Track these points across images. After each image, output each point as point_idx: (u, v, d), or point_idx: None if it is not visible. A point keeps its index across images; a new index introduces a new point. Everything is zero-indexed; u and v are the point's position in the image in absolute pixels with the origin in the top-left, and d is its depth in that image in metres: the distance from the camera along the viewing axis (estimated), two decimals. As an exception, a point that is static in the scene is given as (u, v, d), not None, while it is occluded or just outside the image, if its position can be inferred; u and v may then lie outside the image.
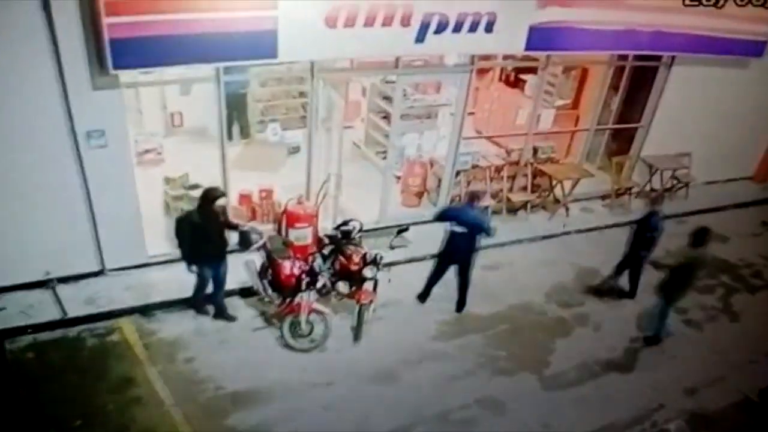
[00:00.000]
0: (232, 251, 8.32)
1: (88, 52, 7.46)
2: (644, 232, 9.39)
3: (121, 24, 7.19)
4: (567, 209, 12.00)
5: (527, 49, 9.85)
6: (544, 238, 11.35)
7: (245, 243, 8.29)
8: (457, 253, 8.90)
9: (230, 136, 11.18)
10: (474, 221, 8.66)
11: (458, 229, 8.67)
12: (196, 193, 9.02)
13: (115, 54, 7.29)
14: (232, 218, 8.86)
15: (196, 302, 8.53)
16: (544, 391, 8.14)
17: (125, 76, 7.94)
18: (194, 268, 8.00)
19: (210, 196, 7.73)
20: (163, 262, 9.15)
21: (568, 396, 8.10)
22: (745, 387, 8.54)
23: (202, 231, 7.73)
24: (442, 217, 8.96)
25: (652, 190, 12.76)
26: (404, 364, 8.25)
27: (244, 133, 12.47)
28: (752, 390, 8.48)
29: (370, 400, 7.68)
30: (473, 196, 8.92)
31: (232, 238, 8.25)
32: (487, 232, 8.73)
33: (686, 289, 8.76)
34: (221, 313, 8.52)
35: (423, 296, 9.35)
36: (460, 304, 9.28)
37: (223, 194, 8.03)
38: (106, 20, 7.10)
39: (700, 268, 8.71)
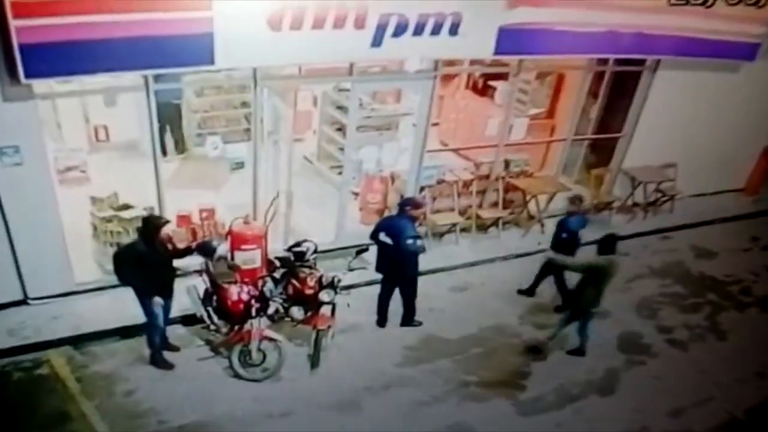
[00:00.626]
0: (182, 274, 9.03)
1: (-4, 60, 7.69)
2: (560, 235, 10.36)
3: (32, 27, 7.44)
4: (542, 225, 12.70)
5: (497, 53, 10.49)
6: (518, 256, 12.13)
7: (208, 253, 8.90)
8: (389, 266, 9.73)
9: (164, 151, 11.90)
10: (398, 231, 9.39)
11: (386, 239, 9.54)
12: (128, 215, 9.89)
13: (27, 61, 7.55)
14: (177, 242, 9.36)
15: (155, 354, 8.94)
16: (519, 417, 8.90)
17: (40, 86, 8.29)
18: (158, 300, 8.34)
19: (154, 224, 8.25)
20: (92, 290, 9.77)
21: (545, 421, 8.89)
22: (732, 407, 9.49)
23: (150, 263, 8.14)
24: (375, 229, 9.77)
25: (635, 204, 13.73)
26: (368, 392, 8.97)
27: (180, 148, 13.11)
28: (739, 410, 9.45)
29: (331, 430, 8.37)
30: (406, 204, 9.68)
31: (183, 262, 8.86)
32: (406, 246, 9.33)
33: (596, 298, 9.38)
34: (165, 345, 9.12)
35: (381, 320, 10.19)
36: (406, 318, 10.13)
37: (168, 221, 8.58)
38: (14, 23, 7.34)
39: (607, 275, 9.24)
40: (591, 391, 9.47)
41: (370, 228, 10.55)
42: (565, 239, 10.30)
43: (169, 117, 12.38)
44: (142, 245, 8.20)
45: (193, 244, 8.96)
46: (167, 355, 9.09)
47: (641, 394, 9.56)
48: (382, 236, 9.58)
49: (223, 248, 9.19)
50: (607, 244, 9.29)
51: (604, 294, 9.38)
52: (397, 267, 9.70)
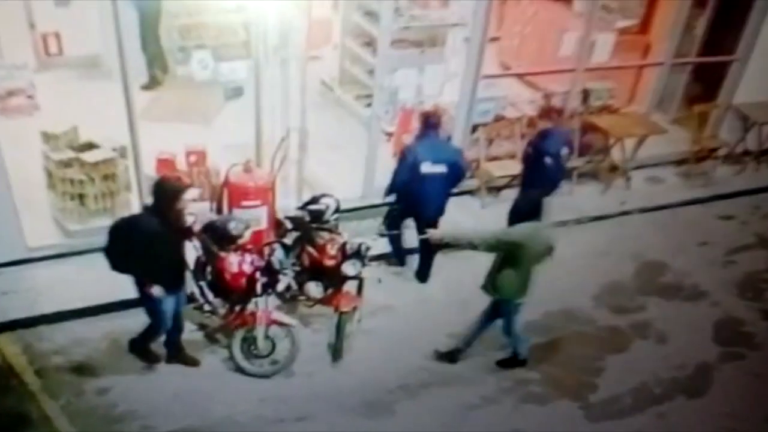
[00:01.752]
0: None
1: None
2: (536, 160, 10.59)
3: None
4: (628, 179, 12.84)
5: None
6: (595, 219, 12.39)
7: (227, 238, 8.97)
8: (427, 204, 10.11)
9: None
10: (453, 156, 9.86)
11: (434, 169, 9.88)
12: (91, 157, 9.90)
13: None
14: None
15: (144, 347, 9.03)
16: (589, 423, 9.18)
17: None
18: (158, 290, 8.18)
19: (172, 189, 7.99)
20: (51, 257, 9.95)
21: (620, 428, 9.16)
22: None
23: (162, 244, 8.02)
24: (412, 162, 9.96)
25: (746, 152, 13.86)
26: (402, 392, 9.20)
27: (158, 66, 13.13)
28: None
29: None
30: (430, 117, 10.04)
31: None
32: (464, 171, 10.04)
33: (518, 284, 8.88)
34: (178, 354, 9.21)
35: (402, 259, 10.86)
36: (423, 273, 10.55)
37: (189, 185, 8.56)
38: None
39: (527, 252, 8.68)
40: (677, 392, 9.74)
41: None
42: (550, 166, 10.52)
43: (143, 23, 12.38)
44: (151, 219, 7.96)
45: (194, 224, 8.84)
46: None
47: (737, 395, 9.81)
48: (429, 167, 9.86)
49: (247, 234, 9.21)
50: (527, 207, 8.81)
51: (530, 278, 8.94)
52: (437, 202, 10.14)
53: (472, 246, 8.83)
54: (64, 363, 9.03)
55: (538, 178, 10.60)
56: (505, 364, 9.71)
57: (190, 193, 8.35)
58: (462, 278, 10.47)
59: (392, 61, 11.57)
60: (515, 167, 12.09)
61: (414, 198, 10.16)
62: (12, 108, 11.52)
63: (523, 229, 8.58)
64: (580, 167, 12.83)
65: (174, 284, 8.44)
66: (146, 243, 7.89)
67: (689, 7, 13.19)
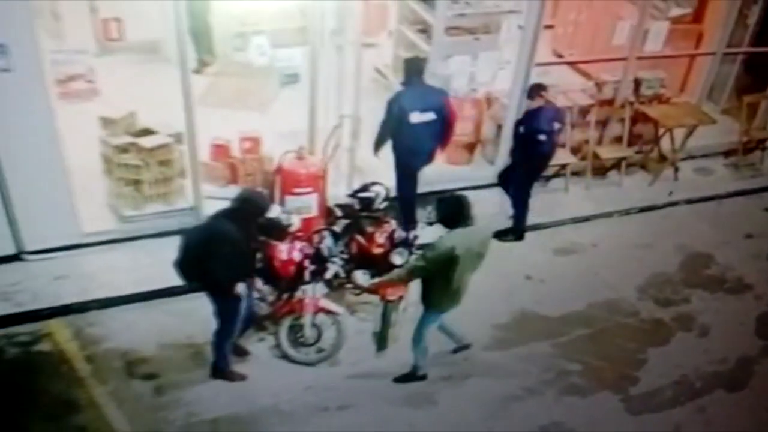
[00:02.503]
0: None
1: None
2: (527, 137, 10.19)
3: None
4: (676, 170, 12.46)
5: None
6: (642, 210, 11.94)
7: (277, 233, 8.60)
8: (418, 154, 10.07)
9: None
10: (440, 101, 9.86)
11: (423, 118, 9.78)
12: (148, 143, 9.62)
13: None
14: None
15: (226, 365, 8.50)
16: (629, 416, 8.80)
17: None
18: (242, 288, 7.85)
19: (260, 207, 7.82)
20: (105, 242, 9.68)
21: (660, 421, 8.79)
22: None
23: (241, 251, 7.72)
24: (390, 117, 9.81)
25: None
26: (445, 382, 8.88)
27: (206, 50, 12.68)
28: None
29: (399, 428, 8.29)
30: (415, 62, 9.97)
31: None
32: (453, 115, 10.09)
33: (445, 293, 8.07)
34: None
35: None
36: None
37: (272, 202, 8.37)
38: None
39: (457, 263, 7.69)
40: (717, 385, 9.35)
41: (458, 170, 10.61)
42: (544, 143, 10.19)
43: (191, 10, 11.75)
44: (232, 228, 7.54)
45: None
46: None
47: None
48: (417, 116, 9.74)
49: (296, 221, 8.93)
50: (451, 209, 7.80)
51: (458, 289, 8.04)
52: (427, 155, 10.19)
53: (405, 279, 8.19)
54: (114, 349, 8.76)
55: (531, 155, 10.32)
56: (402, 379, 8.88)
57: (273, 211, 8.33)
58: (507, 269, 10.23)
59: (446, 48, 11.26)
60: (566, 157, 11.81)
61: (405, 148, 9.98)
62: (72, 92, 11.25)
63: (450, 238, 7.67)
64: (629, 157, 12.44)
65: (248, 278, 8.19)
66: (231, 249, 7.50)
67: None
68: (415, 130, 9.78)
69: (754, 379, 9.47)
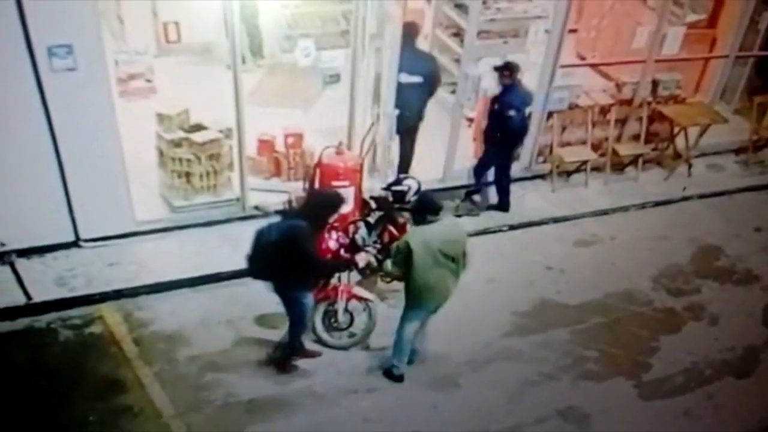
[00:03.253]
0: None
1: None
2: (499, 113, 9.85)
3: None
4: (690, 166, 12.13)
5: None
6: (657, 204, 11.60)
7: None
8: (406, 111, 9.95)
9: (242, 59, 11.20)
10: (428, 66, 10.01)
11: (411, 79, 9.83)
12: (200, 137, 9.37)
13: None
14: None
15: (299, 347, 8.18)
16: (641, 401, 8.49)
17: None
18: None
19: (331, 201, 7.37)
20: (155, 231, 9.40)
21: (670, 407, 8.46)
22: None
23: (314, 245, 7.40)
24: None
25: None
26: (467, 367, 8.55)
27: (255, 51, 12.42)
28: None
29: (424, 410, 8.00)
30: (409, 27, 9.80)
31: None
32: (438, 80, 10.29)
33: (416, 288, 7.61)
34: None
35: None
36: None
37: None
38: None
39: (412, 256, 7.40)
40: (726, 373, 9.01)
41: None
42: (513, 118, 9.78)
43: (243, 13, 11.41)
44: (306, 225, 7.12)
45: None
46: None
47: None
48: (405, 77, 9.82)
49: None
50: (423, 206, 7.64)
51: (436, 287, 7.59)
52: (415, 112, 10.11)
53: (393, 272, 7.72)
54: (160, 331, 8.48)
55: (504, 131, 9.95)
56: (385, 373, 8.28)
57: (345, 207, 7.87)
58: (529, 259, 9.99)
59: (477, 50, 10.95)
60: (586, 153, 11.51)
61: (397, 104, 9.93)
62: (132, 91, 11.03)
63: (408, 235, 7.54)
64: (646, 154, 12.05)
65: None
66: (306, 248, 7.14)
67: (755, 3, 12.25)
68: (403, 89, 9.82)
69: (760, 367, 9.14)
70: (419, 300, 7.65)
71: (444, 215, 7.72)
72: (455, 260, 7.56)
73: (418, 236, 7.38)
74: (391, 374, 8.21)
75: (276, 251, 7.11)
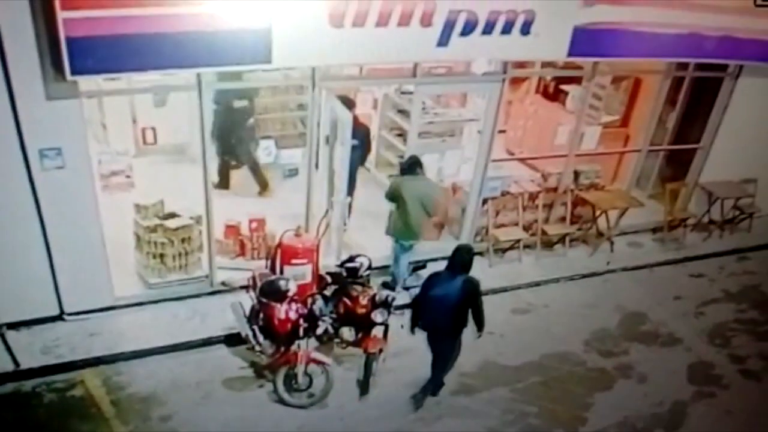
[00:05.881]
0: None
1: (41, 54, 7.41)
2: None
3: (80, 20, 7.15)
4: (612, 243, 12.30)
5: (571, 54, 9.99)
6: (585, 276, 11.67)
7: (278, 293, 8.49)
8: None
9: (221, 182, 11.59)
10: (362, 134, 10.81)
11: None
12: (173, 224, 9.51)
13: (74, 56, 7.25)
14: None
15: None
16: None
17: (86, 83, 8.00)
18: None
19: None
20: (132, 305, 9.40)
21: None
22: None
23: None
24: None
25: (711, 222, 13.21)
26: (420, 423, 8.51)
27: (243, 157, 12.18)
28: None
29: None
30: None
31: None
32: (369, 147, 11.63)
33: (400, 222, 9.66)
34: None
35: None
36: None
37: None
38: (62, 15, 7.05)
39: (405, 196, 9.55)
40: (656, 426, 9.00)
41: (429, 244, 10.21)
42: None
43: (232, 123, 11.62)
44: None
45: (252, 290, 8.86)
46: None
47: (709, 430, 9.06)
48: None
49: (293, 287, 8.61)
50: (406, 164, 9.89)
51: (414, 224, 9.82)
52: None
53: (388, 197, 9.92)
54: (136, 393, 8.39)
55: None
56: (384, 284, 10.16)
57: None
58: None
59: (419, 148, 11.07)
60: (519, 233, 11.67)
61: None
62: (113, 185, 10.96)
63: (398, 177, 9.89)
64: (572, 233, 12.25)
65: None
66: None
67: (662, 105, 12.55)
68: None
69: (688, 419, 9.17)
70: (402, 233, 9.81)
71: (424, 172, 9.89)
72: (429, 213, 9.64)
73: (407, 182, 9.65)
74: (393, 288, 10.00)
75: (460, 306, 7.90)
